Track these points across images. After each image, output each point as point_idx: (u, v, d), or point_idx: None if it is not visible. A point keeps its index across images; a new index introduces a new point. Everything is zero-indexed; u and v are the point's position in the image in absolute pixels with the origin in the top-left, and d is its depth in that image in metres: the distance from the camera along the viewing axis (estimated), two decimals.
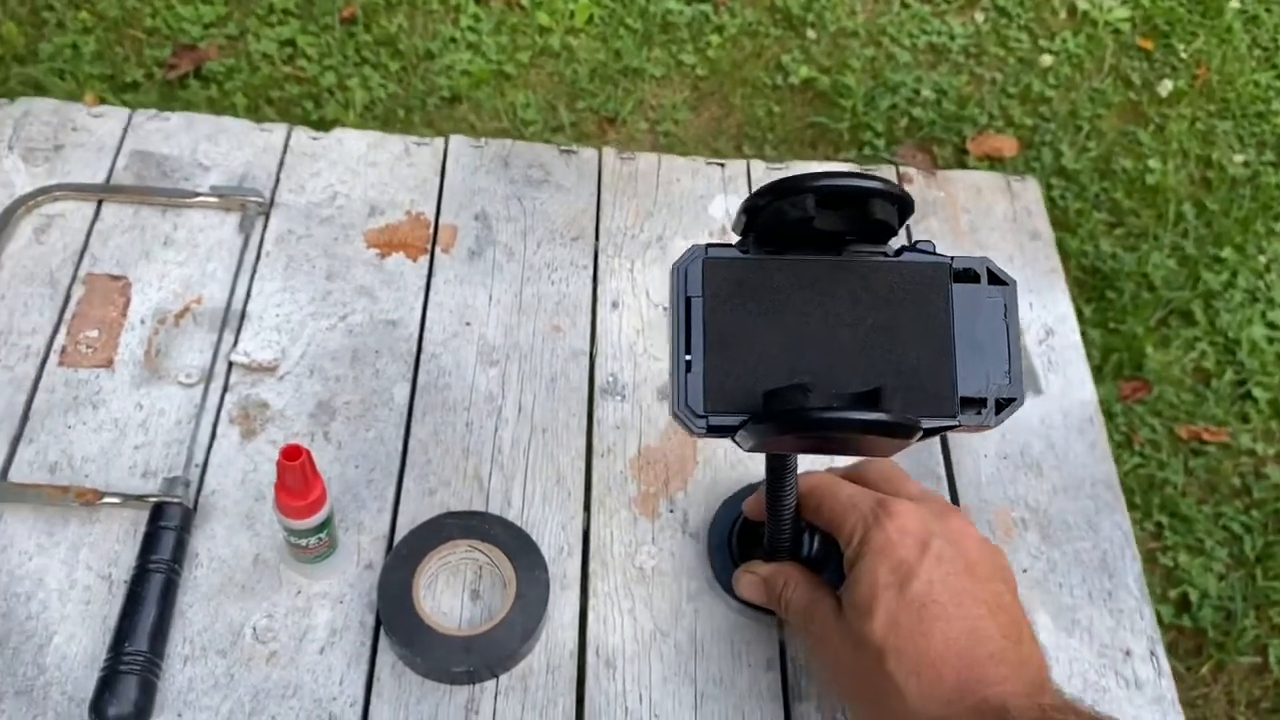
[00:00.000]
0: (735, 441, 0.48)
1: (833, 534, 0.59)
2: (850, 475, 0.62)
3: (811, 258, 0.49)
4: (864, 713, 0.57)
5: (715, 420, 0.47)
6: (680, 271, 0.48)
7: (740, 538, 0.69)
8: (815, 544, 0.65)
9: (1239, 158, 2.02)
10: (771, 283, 0.49)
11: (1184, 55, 2.17)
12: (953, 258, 0.51)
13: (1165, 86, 2.11)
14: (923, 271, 0.50)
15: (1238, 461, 1.67)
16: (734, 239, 0.50)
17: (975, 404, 0.50)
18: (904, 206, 0.47)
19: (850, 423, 0.44)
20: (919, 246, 0.51)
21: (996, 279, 0.51)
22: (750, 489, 0.71)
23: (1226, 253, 1.88)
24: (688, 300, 0.48)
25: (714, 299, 0.48)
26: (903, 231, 0.50)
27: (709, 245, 0.48)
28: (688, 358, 0.47)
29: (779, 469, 0.58)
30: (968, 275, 0.50)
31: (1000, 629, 0.53)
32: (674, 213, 0.87)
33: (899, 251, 0.51)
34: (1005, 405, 0.50)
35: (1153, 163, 1.99)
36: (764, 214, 0.47)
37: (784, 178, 0.46)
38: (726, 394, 0.47)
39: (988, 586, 0.54)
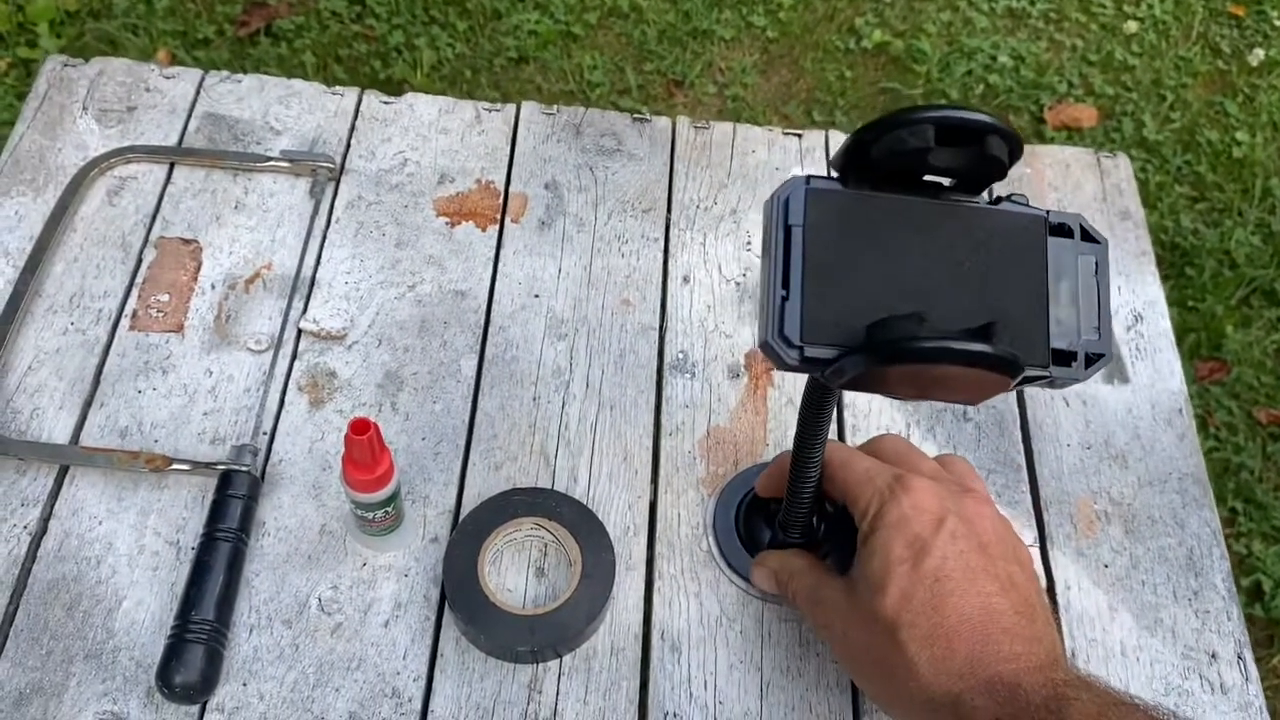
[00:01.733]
0: (824, 377, 0.47)
1: (846, 506, 0.58)
2: (864, 449, 0.62)
3: (912, 197, 0.49)
4: (876, 689, 0.57)
5: (811, 351, 0.46)
6: (779, 201, 0.47)
7: (747, 517, 0.68)
8: (821, 525, 0.64)
9: None
10: (872, 218, 0.48)
11: (1277, 22, 2.08)
12: (1048, 211, 0.50)
13: (1257, 55, 2.03)
14: (1019, 222, 0.49)
15: None
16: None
17: (1066, 357, 0.49)
18: (1015, 147, 0.46)
19: (967, 354, 0.43)
20: (1013, 199, 0.50)
21: (1089, 236, 0.51)
22: (757, 469, 0.70)
23: None
24: (788, 229, 0.46)
25: (815, 229, 0.47)
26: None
27: (809, 176, 0.48)
28: (784, 290, 0.46)
29: (810, 438, 0.57)
30: (1062, 230, 0.50)
31: (1013, 606, 0.52)
32: (749, 185, 0.85)
33: (994, 202, 0.50)
34: (1095, 360, 0.50)
35: (1240, 135, 1.92)
36: (877, 146, 0.45)
37: (904, 108, 0.45)
38: (825, 325, 0.46)
39: (1001, 565, 0.54)
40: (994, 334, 0.44)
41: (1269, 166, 1.89)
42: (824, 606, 0.58)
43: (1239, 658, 0.66)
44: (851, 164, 0.47)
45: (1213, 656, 0.66)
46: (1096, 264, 0.50)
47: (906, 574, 0.53)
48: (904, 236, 0.47)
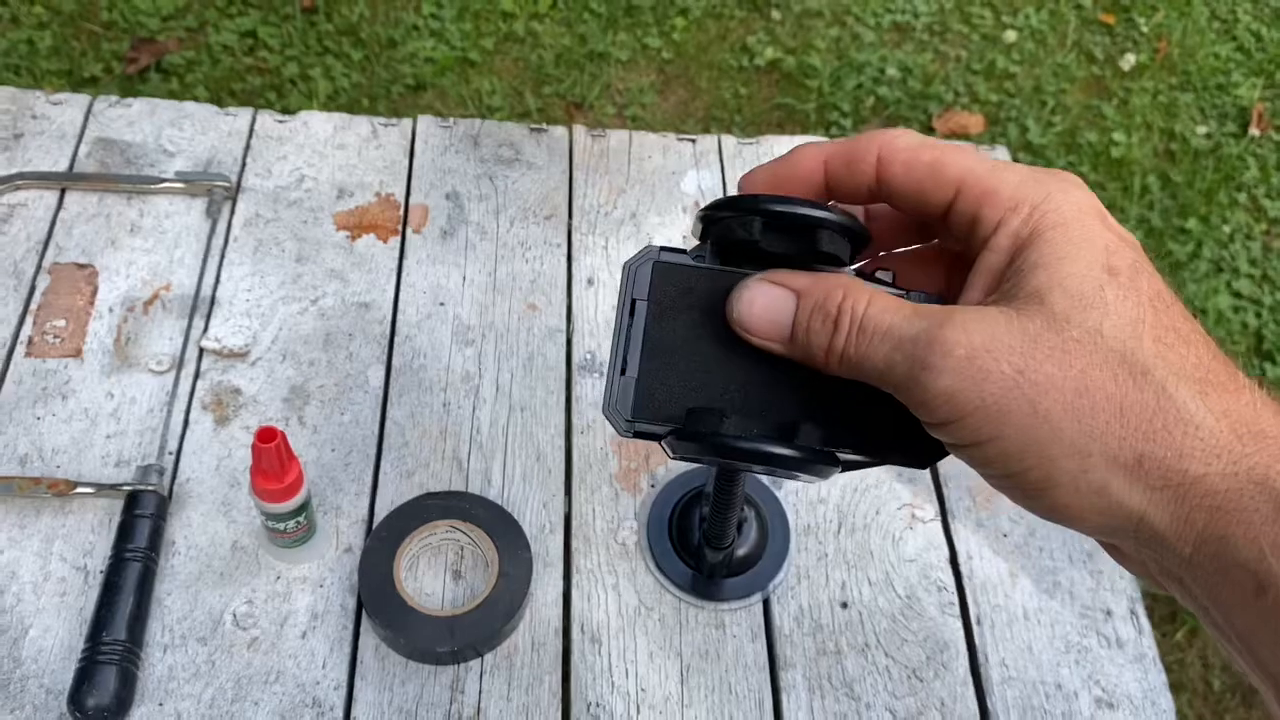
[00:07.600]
0: (663, 449, 0.47)
1: (967, 218, 0.39)
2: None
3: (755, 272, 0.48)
4: (1083, 444, 0.33)
5: (642, 427, 0.46)
6: (630, 271, 0.47)
7: (678, 526, 0.70)
8: (752, 535, 0.68)
9: (1201, 129, 2.04)
10: (713, 294, 0.47)
11: (1145, 29, 2.19)
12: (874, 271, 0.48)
13: (1128, 60, 2.12)
14: None
15: None
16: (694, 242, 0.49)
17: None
18: (856, 240, 0.45)
19: (762, 455, 0.43)
20: (873, 272, 0.48)
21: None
22: (686, 477, 0.73)
23: (1191, 224, 1.89)
24: (632, 302, 0.46)
25: (658, 304, 0.47)
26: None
27: (662, 248, 0.48)
28: (623, 363, 0.46)
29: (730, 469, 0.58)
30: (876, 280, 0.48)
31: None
32: (646, 189, 0.87)
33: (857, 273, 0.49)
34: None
35: (1117, 136, 2.00)
36: (714, 228, 0.46)
37: (733, 196, 0.45)
38: (656, 402, 0.46)
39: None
40: (799, 432, 0.44)
41: (1145, 165, 1.98)
42: (959, 327, 0.35)
43: (1132, 613, 0.69)
44: (704, 236, 0.48)
45: (1108, 613, 0.69)
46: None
47: (1125, 291, 0.35)
48: None
